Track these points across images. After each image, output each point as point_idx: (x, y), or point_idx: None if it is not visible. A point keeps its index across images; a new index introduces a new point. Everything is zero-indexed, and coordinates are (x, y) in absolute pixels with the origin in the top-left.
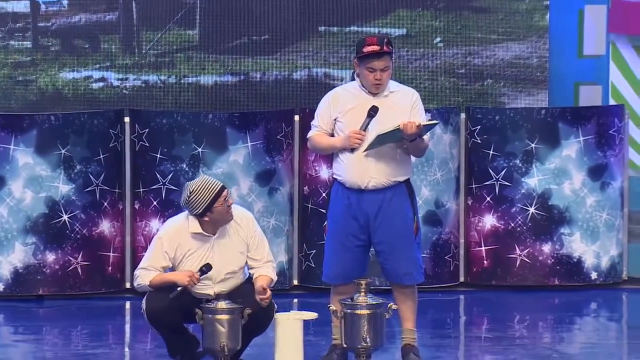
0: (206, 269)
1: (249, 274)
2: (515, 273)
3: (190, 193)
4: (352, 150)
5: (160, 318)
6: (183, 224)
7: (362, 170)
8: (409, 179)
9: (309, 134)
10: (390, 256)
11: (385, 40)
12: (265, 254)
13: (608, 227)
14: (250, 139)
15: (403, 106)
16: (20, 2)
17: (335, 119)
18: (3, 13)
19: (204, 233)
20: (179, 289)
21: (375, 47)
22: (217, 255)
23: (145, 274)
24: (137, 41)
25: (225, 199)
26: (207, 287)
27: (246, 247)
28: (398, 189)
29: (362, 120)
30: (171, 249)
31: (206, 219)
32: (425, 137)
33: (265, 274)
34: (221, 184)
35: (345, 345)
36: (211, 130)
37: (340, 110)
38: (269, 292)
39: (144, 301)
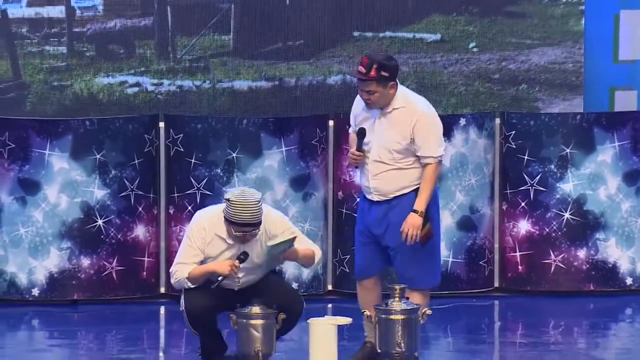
0: (244, 257)
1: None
2: (550, 278)
3: (228, 199)
4: (356, 166)
5: (200, 317)
6: (214, 222)
7: (366, 186)
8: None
9: (349, 131)
10: (395, 260)
11: (374, 65)
12: (301, 236)
13: None
14: (285, 144)
15: (403, 125)
16: (55, 8)
17: (357, 124)
18: (39, 18)
19: (227, 240)
20: (220, 278)
21: (361, 69)
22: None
23: (182, 268)
24: (172, 46)
25: (240, 233)
26: (232, 279)
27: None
28: (405, 198)
29: (372, 135)
30: (202, 245)
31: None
32: (301, 249)
33: (311, 247)
34: (244, 221)
35: (379, 350)
36: (246, 136)
37: (358, 119)
38: (293, 255)
39: (182, 300)
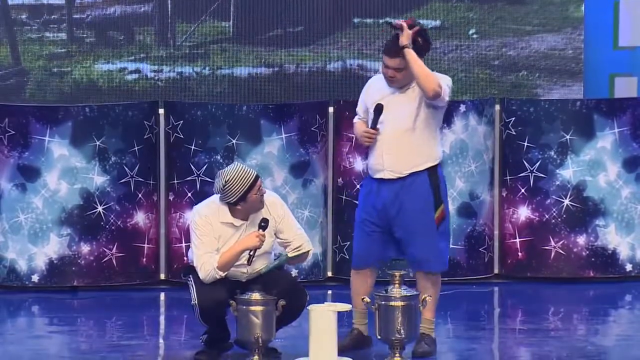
0: (265, 223)
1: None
2: (549, 265)
3: (225, 182)
4: (367, 146)
5: (211, 312)
6: (214, 210)
7: (378, 163)
8: (435, 167)
9: (354, 120)
10: (408, 244)
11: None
12: (295, 229)
13: None
14: (285, 130)
15: (424, 100)
16: None
17: (369, 109)
18: (38, 5)
19: (234, 223)
20: (251, 253)
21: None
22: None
23: (207, 259)
24: (171, 33)
25: (259, 188)
26: (238, 269)
27: (274, 228)
28: (418, 178)
29: (385, 114)
30: (212, 232)
31: (238, 207)
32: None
33: (304, 247)
34: (255, 174)
35: (379, 337)
36: (246, 122)
37: (371, 102)
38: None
39: (194, 294)
